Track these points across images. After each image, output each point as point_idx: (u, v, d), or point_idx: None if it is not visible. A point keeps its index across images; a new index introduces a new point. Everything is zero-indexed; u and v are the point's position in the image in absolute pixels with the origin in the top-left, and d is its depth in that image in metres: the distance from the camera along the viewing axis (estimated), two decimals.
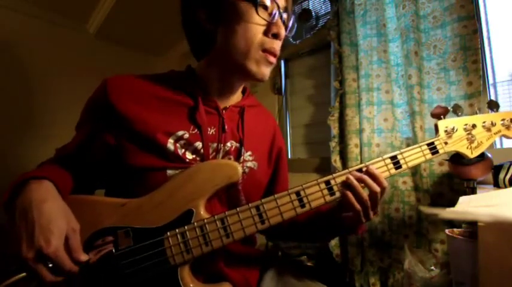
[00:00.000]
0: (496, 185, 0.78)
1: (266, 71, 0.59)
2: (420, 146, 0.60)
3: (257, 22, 0.55)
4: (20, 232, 0.44)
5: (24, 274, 0.44)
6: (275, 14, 0.56)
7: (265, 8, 0.56)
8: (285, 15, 0.60)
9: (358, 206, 0.54)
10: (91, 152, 0.59)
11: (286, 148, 1.75)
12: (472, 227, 0.61)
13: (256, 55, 0.57)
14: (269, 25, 0.56)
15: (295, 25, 0.64)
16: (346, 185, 0.55)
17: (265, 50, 0.57)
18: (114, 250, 0.50)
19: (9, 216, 0.47)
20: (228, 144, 0.63)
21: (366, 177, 0.54)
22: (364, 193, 0.54)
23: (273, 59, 0.58)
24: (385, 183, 0.55)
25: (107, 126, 0.57)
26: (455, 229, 0.67)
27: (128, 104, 0.57)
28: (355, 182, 0.54)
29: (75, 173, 0.60)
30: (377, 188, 0.54)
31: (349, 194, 0.54)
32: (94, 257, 0.49)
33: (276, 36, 0.57)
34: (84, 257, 0.47)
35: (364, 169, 0.56)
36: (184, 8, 0.62)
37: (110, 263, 0.50)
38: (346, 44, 1.30)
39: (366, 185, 0.54)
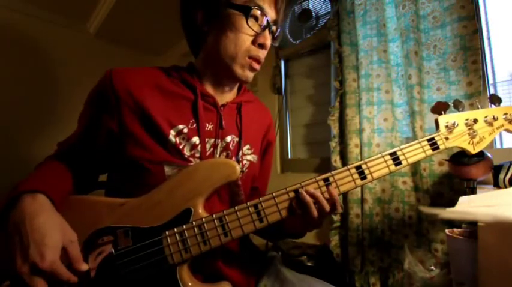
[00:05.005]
0: (496, 185, 0.78)
1: (250, 75, 0.64)
2: (420, 142, 0.60)
3: (246, 31, 0.59)
4: (14, 247, 0.43)
5: (7, 282, 0.44)
6: (264, 26, 0.60)
7: (256, 19, 0.60)
8: (273, 28, 0.64)
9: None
10: (94, 139, 0.60)
11: (285, 148, 1.75)
12: (472, 227, 0.60)
13: (243, 61, 0.61)
14: (257, 35, 0.60)
15: (281, 36, 0.69)
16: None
17: (251, 57, 0.61)
18: (113, 250, 0.50)
19: (2, 229, 0.47)
20: (228, 139, 0.64)
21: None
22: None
23: (257, 66, 0.63)
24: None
25: (110, 113, 0.57)
26: (455, 229, 0.67)
27: (133, 90, 0.58)
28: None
29: (78, 165, 0.61)
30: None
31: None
32: (94, 263, 0.49)
33: (261, 46, 0.61)
34: (84, 266, 0.47)
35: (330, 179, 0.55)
36: (183, 7, 0.65)
37: (109, 263, 0.50)
38: (346, 44, 1.30)
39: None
